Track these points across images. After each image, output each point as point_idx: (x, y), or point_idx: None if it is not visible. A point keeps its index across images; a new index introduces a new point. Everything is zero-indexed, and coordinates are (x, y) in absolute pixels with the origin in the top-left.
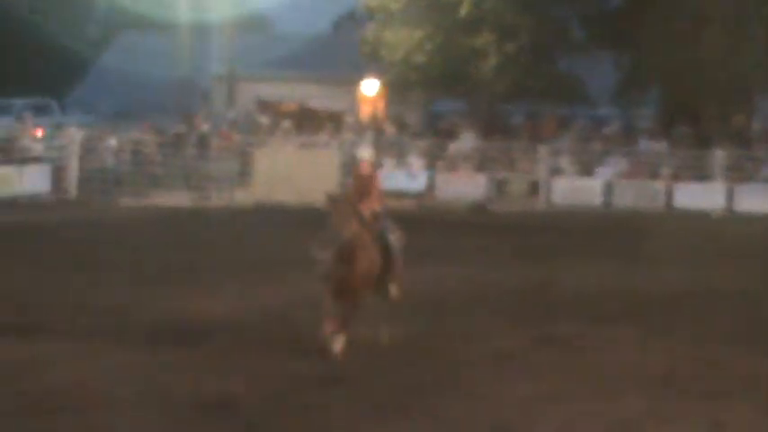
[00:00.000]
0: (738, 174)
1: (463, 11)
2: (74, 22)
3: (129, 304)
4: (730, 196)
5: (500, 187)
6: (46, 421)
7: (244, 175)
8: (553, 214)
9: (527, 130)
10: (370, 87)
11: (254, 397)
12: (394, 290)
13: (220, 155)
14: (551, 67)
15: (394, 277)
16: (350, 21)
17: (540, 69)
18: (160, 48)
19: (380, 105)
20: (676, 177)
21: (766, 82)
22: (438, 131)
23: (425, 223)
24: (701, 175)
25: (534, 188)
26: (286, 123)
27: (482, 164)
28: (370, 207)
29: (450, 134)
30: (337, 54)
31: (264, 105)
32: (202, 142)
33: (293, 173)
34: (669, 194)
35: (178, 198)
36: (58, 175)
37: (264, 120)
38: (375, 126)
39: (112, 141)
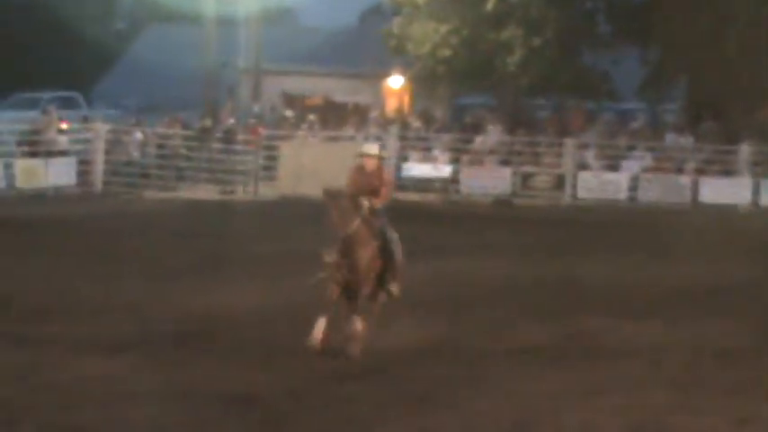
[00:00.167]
0: (764, 169)
1: (489, 5)
2: (101, 15)
3: (153, 297)
4: (756, 191)
5: (525, 181)
6: (69, 415)
7: (269, 168)
8: (578, 209)
9: (553, 125)
10: (395, 81)
11: (278, 391)
12: (395, 288)
13: (245, 148)
14: (577, 61)
15: (394, 275)
16: (376, 14)
17: (566, 63)
18: (187, 40)
19: (406, 99)
20: (702, 172)
21: None
22: (464, 125)
23: (450, 218)
24: (727, 170)
25: (560, 182)
26: (311, 117)
27: (507, 158)
28: (371, 203)
29: (476, 128)
30: (363, 48)
31: (290, 99)
32: (228, 136)
33: (318, 167)
34: (695, 189)
35: (203, 191)
36: (83, 168)
37: (290, 113)
38: (400, 120)
39: (138, 135)
